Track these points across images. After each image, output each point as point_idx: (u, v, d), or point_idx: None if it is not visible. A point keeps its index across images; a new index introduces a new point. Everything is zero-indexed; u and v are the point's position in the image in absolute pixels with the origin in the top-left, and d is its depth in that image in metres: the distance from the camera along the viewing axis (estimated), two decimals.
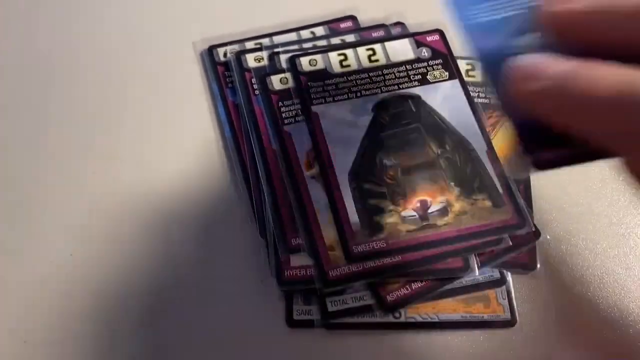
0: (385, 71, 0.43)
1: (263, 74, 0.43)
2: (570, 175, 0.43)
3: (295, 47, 0.45)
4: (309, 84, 0.43)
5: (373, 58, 0.44)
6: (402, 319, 0.38)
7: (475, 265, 0.38)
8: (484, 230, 0.38)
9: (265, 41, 0.47)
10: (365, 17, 0.49)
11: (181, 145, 0.44)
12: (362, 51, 0.45)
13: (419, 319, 0.38)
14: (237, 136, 0.43)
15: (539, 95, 0.22)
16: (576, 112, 0.22)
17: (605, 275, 0.40)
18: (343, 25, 0.49)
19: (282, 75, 0.43)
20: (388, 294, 0.37)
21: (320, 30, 0.48)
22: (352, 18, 0.49)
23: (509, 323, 0.38)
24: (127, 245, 0.41)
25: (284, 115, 0.42)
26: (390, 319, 0.37)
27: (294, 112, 0.42)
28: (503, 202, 0.39)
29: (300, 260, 0.37)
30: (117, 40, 0.50)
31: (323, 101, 0.42)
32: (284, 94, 0.43)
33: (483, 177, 0.40)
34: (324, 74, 0.43)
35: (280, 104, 0.42)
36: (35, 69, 0.48)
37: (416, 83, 0.43)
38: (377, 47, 0.45)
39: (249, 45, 0.47)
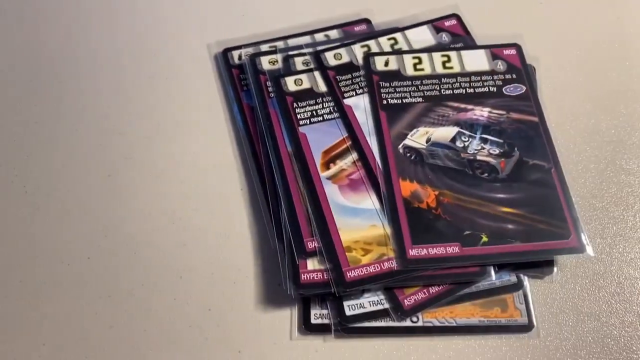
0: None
1: (277, 76, 0.43)
2: (586, 180, 0.43)
3: (310, 49, 0.45)
4: (337, 77, 0.43)
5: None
6: (420, 324, 0.37)
7: (492, 270, 0.37)
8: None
9: (280, 44, 0.46)
10: (380, 20, 0.49)
11: (196, 148, 0.44)
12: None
13: (437, 324, 0.37)
14: (252, 139, 0.42)
15: None
16: None
17: (623, 280, 0.39)
18: (357, 28, 0.48)
19: (297, 76, 0.43)
20: (405, 298, 0.36)
21: (334, 33, 0.48)
22: (367, 21, 0.49)
23: (527, 327, 0.37)
24: (141, 248, 0.40)
25: (299, 116, 0.41)
26: (407, 323, 0.37)
27: (309, 114, 0.41)
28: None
29: (316, 264, 0.37)
30: (132, 43, 0.49)
31: (354, 94, 0.42)
32: (298, 96, 0.42)
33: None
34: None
35: (295, 105, 0.41)
36: (47, 70, 0.48)
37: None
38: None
39: (264, 48, 0.46)
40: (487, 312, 0.37)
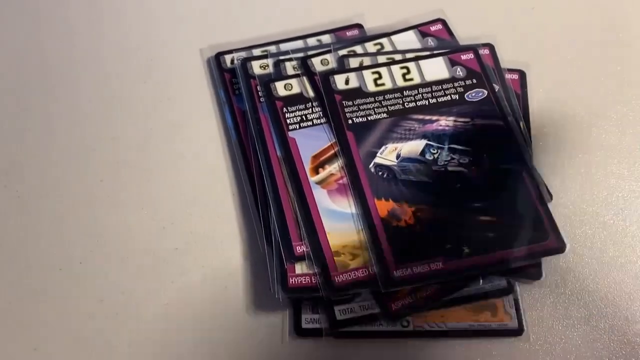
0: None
1: (267, 80, 0.42)
2: (577, 184, 0.42)
3: (301, 54, 0.44)
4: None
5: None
6: (410, 328, 0.36)
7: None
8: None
9: (272, 48, 0.46)
10: (372, 25, 0.48)
11: (188, 152, 0.43)
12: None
13: (427, 328, 0.36)
14: (243, 142, 0.42)
15: None
16: None
17: (613, 284, 0.39)
18: (349, 33, 0.48)
19: (287, 81, 0.42)
20: (393, 302, 0.36)
21: (326, 38, 0.47)
22: (359, 26, 0.48)
23: (517, 332, 0.37)
24: (133, 252, 0.40)
25: (288, 121, 0.40)
26: (398, 327, 0.36)
27: (298, 118, 0.41)
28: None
29: (304, 268, 0.36)
30: (125, 48, 0.49)
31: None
32: (288, 100, 0.41)
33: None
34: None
35: (284, 110, 0.41)
36: (39, 75, 0.47)
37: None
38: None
39: (256, 52, 0.46)
40: (477, 316, 0.37)
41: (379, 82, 0.42)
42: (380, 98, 0.41)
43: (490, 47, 0.45)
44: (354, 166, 0.38)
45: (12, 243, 0.40)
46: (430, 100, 0.41)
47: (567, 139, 0.44)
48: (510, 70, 0.46)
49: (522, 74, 0.46)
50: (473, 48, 0.44)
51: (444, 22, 0.48)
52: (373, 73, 0.42)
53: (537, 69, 0.47)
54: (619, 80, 0.47)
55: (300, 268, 0.36)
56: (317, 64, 0.43)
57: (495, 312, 0.37)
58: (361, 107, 0.41)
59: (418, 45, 0.46)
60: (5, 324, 0.37)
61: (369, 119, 0.40)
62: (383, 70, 0.42)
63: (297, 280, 0.36)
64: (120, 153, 0.43)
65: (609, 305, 0.38)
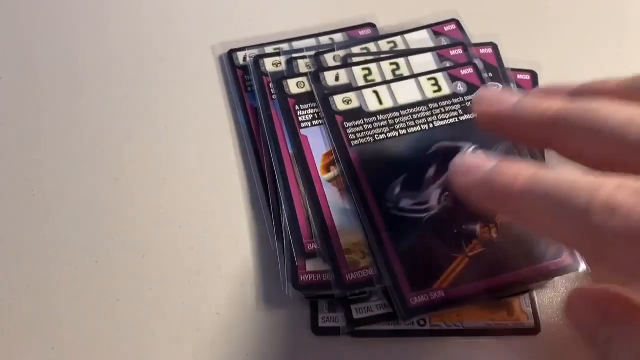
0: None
1: (280, 78, 0.42)
2: None
3: (313, 52, 0.44)
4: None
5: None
6: (427, 327, 0.36)
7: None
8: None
9: (285, 46, 0.46)
10: (384, 24, 0.48)
11: (200, 148, 0.43)
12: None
13: (444, 327, 0.36)
14: (255, 140, 0.42)
15: (473, 187, 0.28)
16: (498, 201, 0.27)
17: None
18: (362, 32, 0.47)
19: (299, 79, 0.42)
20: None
21: (339, 37, 0.47)
22: (371, 25, 0.48)
23: (533, 331, 0.36)
24: (149, 251, 0.40)
25: (300, 119, 0.40)
26: (415, 326, 0.36)
27: (310, 116, 0.40)
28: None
29: (316, 266, 0.36)
30: (137, 44, 0.49)
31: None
32: (300, 98, 0.41)
33: None
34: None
35: (297, 107, 0.41)
36: (53, 74, 0.47)
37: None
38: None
39: (268, 50, 0.46)
40: (493, 315, 0.36)
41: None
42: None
43: (494, 46, 0.45)
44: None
45: (28, 242, 0.40)
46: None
47: None
48: (522, 71, 0.45)
49: (533, 75, 0.45)
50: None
51: (457, 23, 0.47)
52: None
53: (550, 69, 0.46)
54: None
55: (311, 265, 0.36)
56: (329, 60, 0.43)
57: (511, 311, 0.36)
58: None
59: (431, 44, 0.45)
60: (23, 323, 0.37)
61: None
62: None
63: (308, 278, 0.35)
64: (134, 152, 0.43)
65: None
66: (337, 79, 0.42)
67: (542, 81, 0.45)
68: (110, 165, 0.43)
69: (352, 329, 0.35)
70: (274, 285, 0.38)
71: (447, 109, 0.40)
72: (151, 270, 0.39)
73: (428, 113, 0.40)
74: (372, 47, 0.44)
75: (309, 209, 0.37)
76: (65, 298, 0.38)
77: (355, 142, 0.39)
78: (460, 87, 0.41)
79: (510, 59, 0.45)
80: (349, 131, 0.39)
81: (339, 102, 0.41)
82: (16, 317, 0.37)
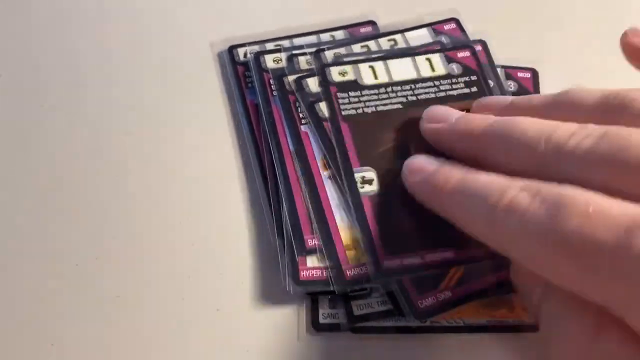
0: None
1: (280, 74, 0.41)
2: None
3: (314, 49, 0.43)
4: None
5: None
6: (428, 323, 0.35)
7: None
8: None
9: (285, 43, 0.45)
10: (385, 22, 0.48)
11: (200, 145, 0.43)
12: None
13: (445, 323, 0.35)
14: (255, 136, 0.41)
15: (417, 187, 0.33)
16: (434, 200, 0.31)
17: None
18: (362, 29, 0.47)
19: (299, 75, 0.41)
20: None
21: (340, 34, 0.47)
22: (372, 23, 0.48)
23: (534, 328, 0.35)
24: (149, 248, 0.39)
25: (301, 115, 0.40)
26: (415, 323, 0.35)
27: None
28: None
29: (316, 262, 0.35)
30: (136, 40, 0.49)
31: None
32: None
33: None
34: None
35: (297, 104, 0.40)
36: (51, 70, 0.47)
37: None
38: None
39: (269, 46, 0.45)
40: (493, 312, 0.36)
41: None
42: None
43: (483, 43, 0.44)
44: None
45: (28, 239, 0.40)
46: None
47: None
48: (523, 69, 0.45)
49: (534, 73, 0.45)
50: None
51: (457, 22, 0.47)
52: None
53: (551, 67, 0.45)
54: (637, 78, 0.46)
55: (312, 261, 0.35)
56: (329, 57, 0.43)
57: (511, 308, 0.36)
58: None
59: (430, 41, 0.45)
60: (22, 319, 0.37)
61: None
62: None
63: (309, 274, 0.35)
64: (133, 149, 0.43)
65: None
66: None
67: (543, 79, 0.45)
68: (109, 162, 0.42)
69: (353, 326, 0.35)
70: (274, 281, 0.37)
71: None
72: (151, 267, 0.38)
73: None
74: (372, 44, 0.44)
75: (310, 205, 0.36)
76: (65, 294, 0.38)
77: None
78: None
79: (511, 58, 0.45)
80: (340, 102, 0.39)
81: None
82: (15, 313, 0.37)
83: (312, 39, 0.46)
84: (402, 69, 0.41)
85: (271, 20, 0.49)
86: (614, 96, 0.28)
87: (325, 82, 0.40)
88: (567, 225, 0.22)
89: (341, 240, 0.35)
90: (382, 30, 0.47)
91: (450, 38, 0.45)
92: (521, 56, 0.45)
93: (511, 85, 0.44)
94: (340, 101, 0.40)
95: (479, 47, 0.44)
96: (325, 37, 0.46)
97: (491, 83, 0.41)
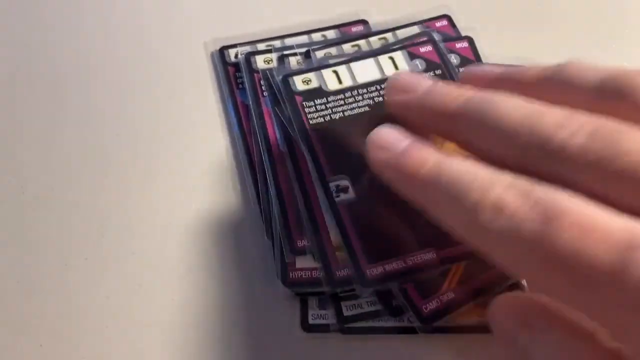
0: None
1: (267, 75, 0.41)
2: None
3: (304, 49, 0.43)
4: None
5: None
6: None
7: None
8: None
9: (277, 43, 0.45)
10: (377, 21, 0.47)
11: (191, 145, 0.43)
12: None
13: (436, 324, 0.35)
14: (246, 137, 0.41)
15: (385, 166, 0.28)
16: (405, 184, 0.27)
17: None
18: (354, 28, 0.47)
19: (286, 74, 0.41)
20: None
21: (331, 34, 0.46)
22: (363, 22, 0.47)
23: None
24: (139, 248, 0.39)
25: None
26: (406, 323, 0.35)
27: None
28: None
29: (306, 263, 0.35)
30: (128, 40, 0.48)
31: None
32: None
33: None
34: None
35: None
36: (41, 71, 0.47)
37: None
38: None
39: (260, 46, 0.45)
40: (485, 311, 0.35)
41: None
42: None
43: (469, 39, 0.44)
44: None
45: (17, 239, 0.39)
46: None
47: None
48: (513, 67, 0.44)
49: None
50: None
51: (449, 18, 0.47)
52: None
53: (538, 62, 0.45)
54: None
55: (301, 262, 0.35)
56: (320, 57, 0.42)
57: None
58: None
59: None
60: (11, 320, 0.37)
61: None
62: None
63: (298, 275, 0.35)
64: (124, 149, 0.43)
65: None
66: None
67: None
68: (99, 162, 0.42)
69: (342, 326, 0.35)
70: (264, 281, 0.37)
71: None
72: (141, 267, 0.38)
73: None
74: (363, 44, 0.44)
75: (300, 206, 0.36)
76: (54, 295, 0.37)
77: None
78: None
79: (502, 55, 0.44)
80: (307, 110, 0.38)
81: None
82: (4, 314, 0.37)
83: (303, 38, 0.46)
84: (366, 71, 0.40)
85: (263, 20, 0.48)
86: (614, 78, 0.25)
87: (289, 92, 0.39)
88: (560, 238, 0.21)
89: (331, 242, 0.35)
90: (373, 29, 0.47)
91: (441, 35, 0.45)
92: (513, 54, 0.45)
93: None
94: (307, 110, 0.38)
95: (464, 44, 0.43)
96: (316, 36, 0.46)
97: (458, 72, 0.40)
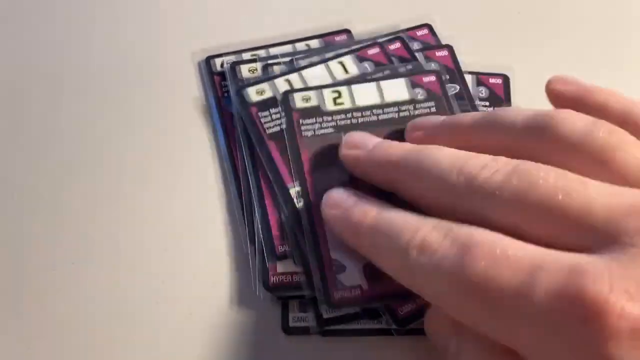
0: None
1: (241, 86, 0.42)
2: None
3: (288, 58, 0.44)
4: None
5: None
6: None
7: None
8: None
9: (262, 52, 0.46)
10: (360, 30, 0.48)
11: (176, 153, 0.43)
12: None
13: (415, 325, 0.35)
14: (230, 144, 0.42)
15: (335, 221, 0.32)
16: (354, 237, 0.30)
17: None
18: (337, 38, 0.47)
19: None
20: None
21: (315, 43, 0.47)
22: (347, 32, 0.48)
23: None
24: (124, 253, 0.40)
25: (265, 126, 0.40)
26: (385, 325, 0.35)
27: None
28: None
29: (286, 267, 0.36)
30: (116, 50, 0.49)
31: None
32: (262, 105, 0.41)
33: None
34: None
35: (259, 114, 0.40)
36: (30, 77, 0.47)
37: None
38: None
39: (246, 56, 0.46)
40: None
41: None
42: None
43: (449, 48, 0.45)
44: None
45: (5, 243, 0.40)
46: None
47: None
48: (494, 75, 0.45)
49: (505, 78, 0.45)
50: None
51: (430, 27, 0.47)
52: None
53: (523, 73, 0.46)
54: (605, 83, 0.46)
55: (282, 267, 0.36)
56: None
57: None
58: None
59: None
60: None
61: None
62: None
63: (279, 279, 0.35)
64: (110, 156, 0.43)
65: None
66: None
67: (515, 85, 0.45)
68: (86, 168, 0.43)
69: (322, 328, 0.35)
70: (246, 286, 0.38)
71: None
72: (125, 272, 0.39)
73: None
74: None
75: (282, 214, 0.37)
76: (41, 300, 0.38)
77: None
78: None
79: (483, 64, 0.45)
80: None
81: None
82: None
83: (287, 48, 0.46)
84: (315, 77, 0.42)
85: (249, 30, 0.49)
86: (535, 118, 0.28)
87: (244, 104, 0.40)
88: (474, 267, 0.23)
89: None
90: (356, 38, 0.47)
91: (422, 44, 0.46)
92: (493, 62, 0.45)
93: (482, 92, 0.44)
94: (263, 120, 0.40)
95: (444, 52, 0.44)
96: (300, 45, 0.46)
97: (457, 87, 0.41)
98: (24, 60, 0.49)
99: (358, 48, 0.43)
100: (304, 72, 0.42)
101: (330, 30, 0.48)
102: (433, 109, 0.39)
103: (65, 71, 0.48)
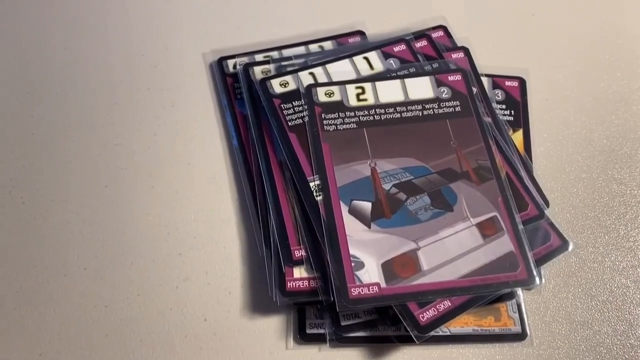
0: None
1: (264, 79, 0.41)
2: (578, 189, 0.41)
3: (302, 60, 0.43)
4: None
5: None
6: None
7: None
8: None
9: (274, 54, 0.45)
10: (374, 32, 0.47)
11: (190, 156, 0.42)
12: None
13: (432, 333, 0.34)
14: (244, 147, 0.41)
15: None
16: None
17: (615, 288, 0.38)
18: (351, 39, 0.47)
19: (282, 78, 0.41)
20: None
21: (328, 45, 0.46)
22: (360, 33, 0.47)
23: (520, 336, 0.35)
24: (137, 257, 0.39)
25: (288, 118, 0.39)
26: (402, 332, 0.35)
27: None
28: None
29: (303, 272, 0.35)
30: (129, 52, 0.48)
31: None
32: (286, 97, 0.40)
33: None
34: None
35: (282, 106, 0.40)
36: (44, 81, 0.46)
37: None
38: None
39: (258, 57, 0.45)
40: (480, 321, 0.35)
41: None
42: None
43: (465, 50, 0.44)
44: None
45: (17, 249, 0.39)
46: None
47: (568, 144, 0.43)
48: (510, 78, 0.45)
49: (522, 81, 0.45)
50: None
51: (445, 29, 0.47)
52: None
53: (538, 75, 0.46)
54: (620, 85, 0.46)
55: (298, 272, 0.35)
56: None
57: (498, 317, 0.36)
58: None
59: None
60: (11, 329, 0.36)
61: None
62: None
63: (295, 285, 0.34)
64: (124, 159, 0.43)
65: (611, 309, 0.37)
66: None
67: (531, 87, 0.45)
68: (99, 173, 0.42)
69: (339, 336, 0.35)
70: (261, 291, 0.37)
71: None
72: (139, 277, 0.38)
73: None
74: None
75: (297, 215, 0.36)
76: (53, 304, 0.37)
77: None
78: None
79: (499, 66, 0.45)
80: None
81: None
82: (4, 323, 0.37)
83: (300, 49, 0.45)
84: (340, 71, 0.41)
85: (262, 31, 0.48)
86: None
87: (267, 94, 0.40)
88: None
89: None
90: (370, 40, 0.47)
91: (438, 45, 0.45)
92: (508, 64, 0.45)
93: (498, 94, 0.43)
94: (285, 112, 0.39)
95: (460, 54, 0.44)
96: (314, 47, 0.46)
97: (474, 89, 0.41)
98: (39, 60, 0.48)
99: (384, 43, 0.43)
100: (329, 66, 0.41)
101: (343, 31, 0.47)
102: (458, 108, 0.39)
103: (77, 72, 0.47)
